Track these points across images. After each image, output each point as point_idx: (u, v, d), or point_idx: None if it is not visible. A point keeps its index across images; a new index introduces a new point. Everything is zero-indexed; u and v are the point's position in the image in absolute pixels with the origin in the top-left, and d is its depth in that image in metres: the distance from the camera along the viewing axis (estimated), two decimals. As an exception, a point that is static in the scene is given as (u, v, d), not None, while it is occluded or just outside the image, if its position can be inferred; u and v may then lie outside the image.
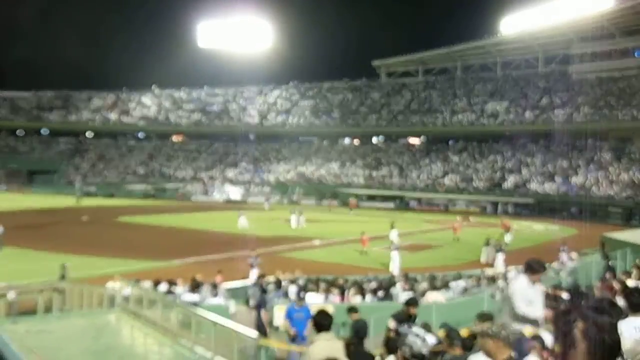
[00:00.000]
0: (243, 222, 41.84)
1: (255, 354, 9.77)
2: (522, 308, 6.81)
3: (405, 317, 9.30)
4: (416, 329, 5.50)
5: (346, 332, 11.53)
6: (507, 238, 37.52)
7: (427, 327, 9.29)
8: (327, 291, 17.58)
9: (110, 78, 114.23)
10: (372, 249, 33.38)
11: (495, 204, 63.72)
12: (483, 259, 29.87)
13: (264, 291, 14.29)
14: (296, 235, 39.06)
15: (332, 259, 30.67)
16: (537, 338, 5.69)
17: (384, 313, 13.72)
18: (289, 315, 11.61)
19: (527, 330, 6.39)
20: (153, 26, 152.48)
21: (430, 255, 33.43)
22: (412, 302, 9.98)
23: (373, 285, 19.10)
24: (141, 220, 48.12)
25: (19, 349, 10.82)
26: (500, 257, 28.27)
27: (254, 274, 21.18)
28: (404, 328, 8.67)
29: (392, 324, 9.15)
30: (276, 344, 11.68)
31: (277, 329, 14.16)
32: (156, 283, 17.95)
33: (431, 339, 6.37)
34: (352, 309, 11.85)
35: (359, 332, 10.49)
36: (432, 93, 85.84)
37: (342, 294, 17.52)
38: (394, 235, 36.11)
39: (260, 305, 13.36)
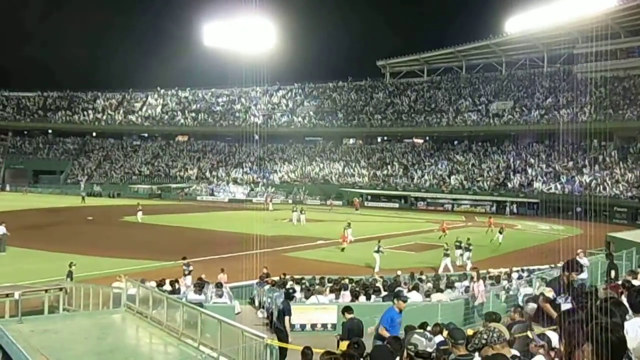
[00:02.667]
0: (140, 216, 47.40)
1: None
2: None
3: (564, 285, 7.50)
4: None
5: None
6: (499, 238, 37.31)
7: (425, 326, 9.27)
8: (333, 291, 17.58)
9: (115, 78, 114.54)
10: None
11: (500, 204, 63.61)
12: (458, 262, 29.46)
13: (289, 297, 14.15)
14: (299, 235, 39.06)
15: (336, 258, 30.66)
16: (543, 337, 5.68)
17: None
18: (391, 321, 9.96)
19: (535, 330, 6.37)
20: (158, 27, 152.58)
21: (435, 255, 33.32)
22: (572, 267, 7.82)
23: (378, 285, 19.09)
24: (146, 219, 48.19)
25: (24, 348, 10.86)
26: (445, 262, 27.73)
27: (187, 281, 21.07)
28: (561, 298, 7.34)
29: (549, 293, 7.20)
30: (286, 345, 11.64)
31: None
32: (160, 283, 18.01)
33: (437, 338, 6.37)
34: (346, 309, 11.85)
35: (350, 331, 10.49)
36: (437, 93, 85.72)
37: (338, 293, 17.47)
38: (348, 234, 36.36)
39: (285, 311, 13.18)
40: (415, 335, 4.17)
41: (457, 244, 30.62)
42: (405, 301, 10.20)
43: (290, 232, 40.92)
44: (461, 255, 29.69)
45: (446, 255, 28.07)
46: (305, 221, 47.27)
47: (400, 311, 10.11)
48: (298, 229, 44.10)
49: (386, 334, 9.35)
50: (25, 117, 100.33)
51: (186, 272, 21.95)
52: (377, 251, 28.51)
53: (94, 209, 56.99)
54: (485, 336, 4.54)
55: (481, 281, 17.06)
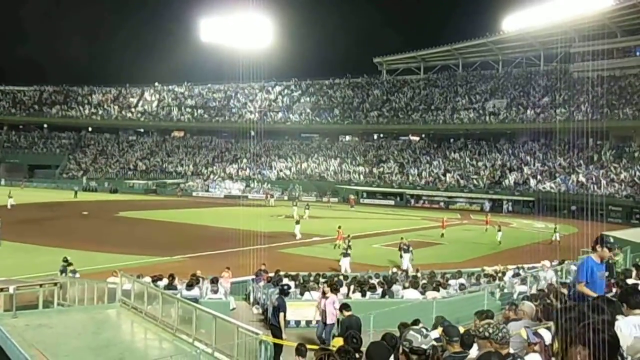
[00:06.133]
0: (11, 203, 49.09)
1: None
2: None
3: None
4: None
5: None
6: (499, 236, 37.20)
7: (417, 323, 9.27)
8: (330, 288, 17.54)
9: (111, 73, 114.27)
10: (373, 246, 33.43)
11: (495, 202, 63.74)
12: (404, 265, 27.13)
13: (284, 293, 14.13)
14: (295, 231, 38.98)
15: (332, 255, 30.66)
16: (537, 336, 5.70)
17: (384, 310, 13.76)
18: (591, 273, 7.47)
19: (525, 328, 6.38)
20: (155, 22, 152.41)
21: (430, 252, 33.42)
22: None
23: (374, 282, 19.10)
24: (142, 215, 48.15)
25: (19, 343, 10.84)
26: (345, 261, 26.47)
27: None
28: None
29: None
30: (280, 341, 11.65)
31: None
32: (156, 279, 17.99)
33: (434, 335, 6.39)
34: (344, 306, 11.82)
35: (349, 329, 10.47)
36: (433, 90, 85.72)
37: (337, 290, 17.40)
38: (297, 231, 36.35)
39: (280, 308, 13.16)
40: (411, 332, 4.18)
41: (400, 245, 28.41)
42: (610, 248, 7.98)
43: (286, 229, 40.87)
44: (401, 257, 27.62)
45: (346, 255, 26.73)
46: (297, 215, 47.50)
47: (602, 261, 7.73)
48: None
49: (587, 291, 7.24)
50: (21, 112, 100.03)
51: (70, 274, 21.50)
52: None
53: (89, 204, 56.89)
54: (490, 330, 4.56)
55: (333, 296, 13.91)
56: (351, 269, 25.48)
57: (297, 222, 37.69)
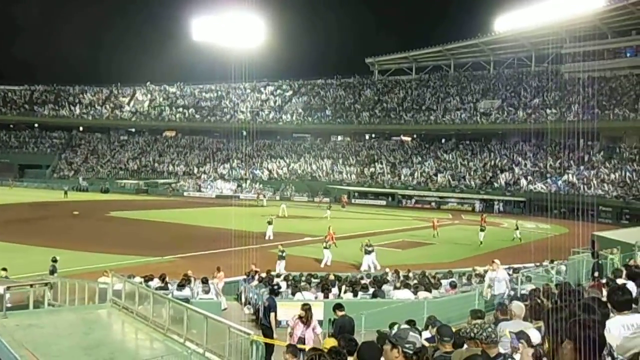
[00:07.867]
0: None
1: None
2: None
3: None
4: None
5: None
6: (481, 236, 36.94)
7: (412, 324, 9.31)
8: (319, 288, 17.57)
9: (103, 73, 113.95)
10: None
11: (487, 202, 63.89)
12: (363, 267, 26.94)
13: (274, 293, 14.07)
14: (286, 231, 38.95)
15: (323, 255, 30.62)
16: (522, 335, 5.73)
17: (376, 310, 13.78)
18: None
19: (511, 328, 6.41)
20: (147, 21, 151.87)
21: (421, 252, 33.49)
22: None
23: (365, 282, 19.11)
24: (133, 215, 47.99)
25: (9, 343, 10.78)
26: (281, 264, 25.94)
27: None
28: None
29: None
30: (272, 341, 11.64)
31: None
32: (147, 279, 17.94)
33: (425, 335, 6.42)
34: (337, 307, 11.79)
35: (342, 329, 10.46)
36: (425, 91, 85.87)
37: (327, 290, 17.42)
38: (270, 231, 36.36)
39: (270, 308, 13.13)
40: (410, 333, 4.18)
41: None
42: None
43: (277, 229, 40.80)
44: (367, 253, 27.33)
45: (281, 258, 26.26)
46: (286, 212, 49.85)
47: None
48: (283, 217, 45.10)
49: None
50: (12, 111, 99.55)
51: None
52: (326, 247, 28.73)
53: (80, 203, 56.63)
54: (475, 330, 4.58)
55: (314, 321, 11.53)
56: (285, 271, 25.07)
57: (270, 223, 37.37)
